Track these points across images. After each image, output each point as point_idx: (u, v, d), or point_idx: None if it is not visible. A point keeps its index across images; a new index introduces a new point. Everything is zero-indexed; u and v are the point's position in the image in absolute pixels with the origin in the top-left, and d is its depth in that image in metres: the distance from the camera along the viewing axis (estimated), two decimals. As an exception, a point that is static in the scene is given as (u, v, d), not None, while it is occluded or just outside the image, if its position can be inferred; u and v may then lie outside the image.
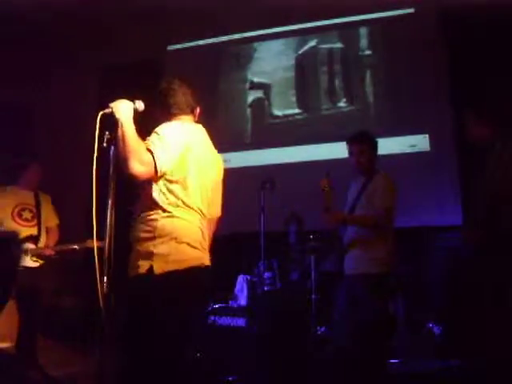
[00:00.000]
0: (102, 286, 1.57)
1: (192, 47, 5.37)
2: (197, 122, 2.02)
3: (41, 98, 5.36)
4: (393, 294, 2.84)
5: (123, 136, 1.67)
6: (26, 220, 3.38)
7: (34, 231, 3.39)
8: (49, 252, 3.33)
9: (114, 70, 5.56)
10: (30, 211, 3.43)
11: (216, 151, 2.04)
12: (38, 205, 3.48)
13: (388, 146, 4.36)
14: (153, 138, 1.74)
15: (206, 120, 2.06)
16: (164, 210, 1.75)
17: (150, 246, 1.72)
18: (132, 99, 1.79)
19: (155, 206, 1.76)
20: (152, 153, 1.68)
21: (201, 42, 5.34)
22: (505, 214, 2.45)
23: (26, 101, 5.22)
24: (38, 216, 3.44)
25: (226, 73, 5.15)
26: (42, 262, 3.37)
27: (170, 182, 1.77)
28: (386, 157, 4.30)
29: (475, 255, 2.94)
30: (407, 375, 3.11)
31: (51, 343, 4.01)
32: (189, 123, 1.94)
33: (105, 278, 1.59)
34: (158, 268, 1.69)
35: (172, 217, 1.75)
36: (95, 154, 1.65)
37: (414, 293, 3.79)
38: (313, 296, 3.49)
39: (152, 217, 1.75)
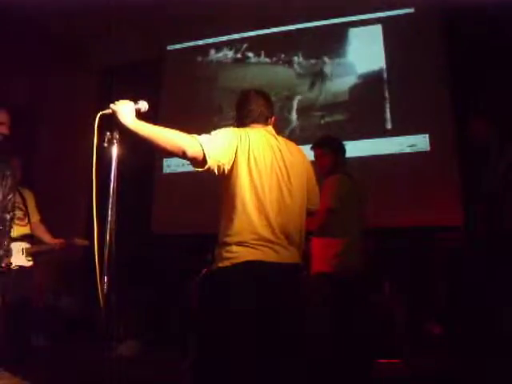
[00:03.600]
0: (102, 286, 1.57)
1: (192, 47, 5.37)
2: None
3: (41, 97, 5.37)
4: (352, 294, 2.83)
5: (145, 138, 1.71)
6: (19, 219, 3.34)
7: (27, 230, 3.39)
8: (60, 247, 3.38)
9: (113, 70, 5.57)
10: (20, 209, 3.39)
11: (298, 152, 2.08)
12: (24, 202, 3.47)
13: (388, 145, 4.38)
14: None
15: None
16: None
17: None
18: (135, 99, 1.77)
19: None
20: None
21: (201, 42, 5.34)
22: (505, 213, 2.46)
23: (26, 101, 5.22)
24: (27, 214, 3.43)
25: (225, 72, 5.16)
26: (34, 261, 3.37)
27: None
28: (386, 157, 4.33)
29: (475, 255, 2.95)
30: (407, 375, 3.12)
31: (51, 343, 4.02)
32: (256, 129, 2.00)
33: (105, 277, 1.58)
34: None
35: None
36: (94, 155, 1.65)
37: (414, 293, 3.79)
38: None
39: None
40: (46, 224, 3.57)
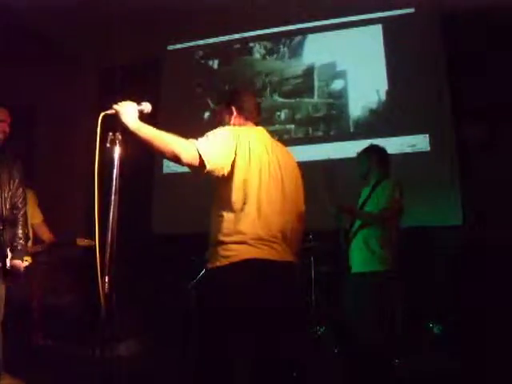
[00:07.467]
0: (103, 285, 1.57)
1: (192, 47, 5.37)
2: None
3: (41, 98, 5.36)
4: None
5: (144, 140, 1.70)
6: None
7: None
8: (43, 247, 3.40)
9: (113, 71, 5.57)
10: None
11: (288, 154, 2.10)
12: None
13: (388, 146, 4.35)
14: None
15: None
16: None
17: None
18: (138, 101, 1.77)
19: None
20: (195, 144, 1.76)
21: (201, 42, 5.34)
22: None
23: (26, 101, 5.22)
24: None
25: (225, 72, 5.16)
26: (31, 261, 3.37)
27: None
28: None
29: (474, 254, 2.96)
30: (407, 375, 3.11)
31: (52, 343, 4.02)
32: (253, 129, 2.01)
33: (106, 277, 1.58)
34: None
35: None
36: (97, 155, 1.65)
37: (414, 292, 3.79)
38: (312, 296, 3.49)
39: None
40: (46, 224, 3.59)
